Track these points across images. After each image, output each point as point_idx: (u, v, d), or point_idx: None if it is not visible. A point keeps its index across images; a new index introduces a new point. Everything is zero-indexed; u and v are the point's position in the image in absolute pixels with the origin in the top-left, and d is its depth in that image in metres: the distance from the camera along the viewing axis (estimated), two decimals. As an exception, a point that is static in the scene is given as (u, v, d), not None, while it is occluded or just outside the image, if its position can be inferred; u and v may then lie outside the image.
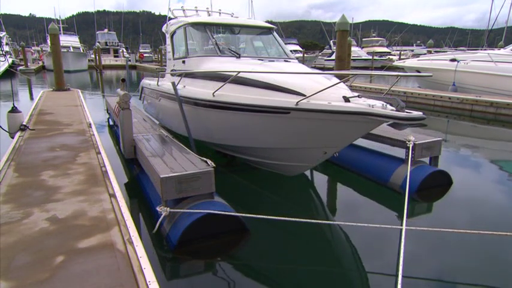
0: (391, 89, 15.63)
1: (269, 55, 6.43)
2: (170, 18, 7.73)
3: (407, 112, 3.25)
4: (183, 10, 7.87)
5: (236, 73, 4.45)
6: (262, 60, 5.64)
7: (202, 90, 5.17)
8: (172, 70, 6.87)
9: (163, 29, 8.09)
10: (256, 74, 4.46)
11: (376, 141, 5.85)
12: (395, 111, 3.33)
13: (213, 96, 4.80)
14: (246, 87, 4.46)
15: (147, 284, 2.14)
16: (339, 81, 3.91)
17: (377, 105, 3.49)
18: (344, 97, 3.77)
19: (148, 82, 8.37)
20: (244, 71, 4.54)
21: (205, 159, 3.95)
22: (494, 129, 9.74)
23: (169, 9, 7.99)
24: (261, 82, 4.36)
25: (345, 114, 3.56)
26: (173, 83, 5.38)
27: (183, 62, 6.51)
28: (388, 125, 3.50)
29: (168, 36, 7.47)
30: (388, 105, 3.50)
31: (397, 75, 3.99)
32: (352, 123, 3.73)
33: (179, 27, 6.84)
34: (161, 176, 3.44)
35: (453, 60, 14.17)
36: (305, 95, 3.84)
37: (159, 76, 7.54)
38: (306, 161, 4.59)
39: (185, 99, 5.54)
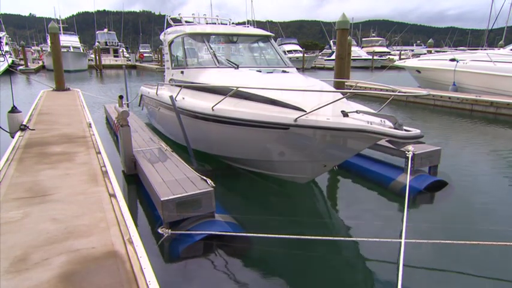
0: (391, 88, 15.62)
1: (267, 63, 6.51)
2: (168, 26, 7.74)
3: (405, 130, 3.24)
4: (181, 18, 7.86)
5: (235, 88, 4.45)
6: (260, 71, 5.56)
7: (201, 104, 5.15)
8: (170, 80, 6.90)
9: (161, 37, 8.02)
10: (256, 89, 4.48)
11: (375, 150, 5.85)
12: (394, 128, 3.31)
13: (212, 110, 4.80)
14: (246, 102, 4.48)
15: (147, 284, 2.14)
16: (341, 96, 3.86)
17: (375, 122, 3.48)
18: (342, 112, 3.77)
19: (147, 90, 8.32)
20: (244, 86, 4.53)
21: (205, 178, 3.93)
22: (494, 129, 9.74)
23: (166, 16, 8.00)
24: (261, 97, 4.37)
25: (344, 131, 3.57)
26: (171, 97, 5.35)
27: (182, 72, 6.49)
28: (387, 141, 3.46)
29: (166, 45, 7.44)
30: (386, 121, 3.47)
31: (391, 95, 3.94)
32: (350, 139, 3.73)
33: (177, 36, 6.84)
34: (162, 199, 3.44)
35: (452, 60, 14.16)
36: (305, 111, 3.81)
37: (158, 85, 7.57)
38: (306, 174, 4.60)
39: (185, 112, 5.51)
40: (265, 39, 6.93)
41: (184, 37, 6.62)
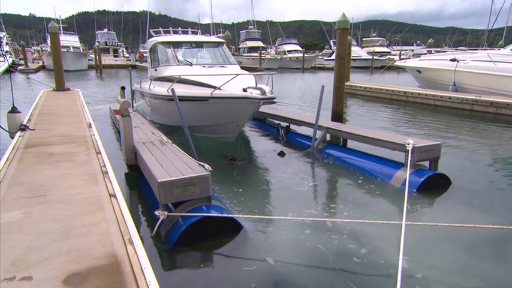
0: (392, 89, 15.67)
1: (218, 62, 8.87)
2: (150, 36, 10.38)
3: (265, 95, 5.78)
4: (160, 31, 10.57)
5: (178, 76, 6.85)
6: (204, 67, 8.16)
7: (161, 89, 7.58)
8: (151, 76, 9.18)
9: (145, 45, 11.06)
10: (191, 76, 6.92)
11: (376, 146, 5.86)
12: (260, 94, 5.79)
13: (167, 92, 6.85)
14: (186, 85, 6.82)
15: (147, 284, 2.14)
16: (235, 75, 6.31)
17: (254, 92, 5.85)
18: (243, 88, 5.95)
19: (137, 86, 10.60)
20: (184, 74, 6.94)
21: (202, 163, 3.99)
22: (494, 129, 9.73)
23: (148, 30, 10.93)
24: (193, 81, 6.82)
25: (232, 98, 6.05)
26: (172, 90, 6.25)
27: (155, 69, 8.84)
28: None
29: (147, 50, 10.10)
30: (261, 92, 5.86)
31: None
32: (241, 105, 6.07)
33: (153, 44, 9.24)
34: (159, 181, 3.49)
35: (453, 60, 14.14)
36: (216, 87, 6.24)
37: (140, 81, 10.25)
38: (228, 133, 6.97)
39: (153, 96, 8.05)
40: (218, 44, 9.39)
41: (157, 44, 8.96)
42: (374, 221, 3.57)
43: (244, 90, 5.95)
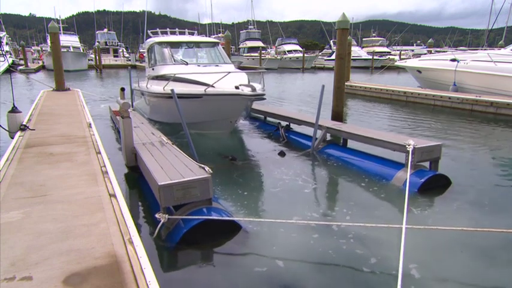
0: (392, 89, 15.67)
1: (213, 61, 9.30)
2: (148, 37, 10.85)
3: (255, 92, 6.31)
4: (158, 32, 10.98)
5: (173, 75, 7.39)
6: (199, 65, 8.56)
7: (158, 87, 7.99)
8: (148, 75, 9.59)
9: (143, 45, 11.17)
10: (186, 75, 7.30)
11: (377, 146, 5.86)
12: (250, 91, 6.28)
13: (163, 90, 7.43)
14: (181, 83, 7.23)
15: (147, 284, 2.13)
16: (227, 73, 6.85)
17: (244, 89, 6.34)
18: (235, 86, 6.41)
19: (135, 85, 10.90)
20: (179, 73, 7.38)
21: (203, 165, 3.98)
22: (494, 129, 9.73)
23: (146, 30, 11.58)
24: (188, 79, 7.25)
25: (225, 95, 6.56)
26: (172, 90, 6.26)
27: (153, 69, 9.21)
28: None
29: (145, 50, 10.53)
30: (251, 89, 6.34)
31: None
32: (233, 101, 6.56)
33: (151, 44, 9.66)
34: (159, 184, 3.48)
35: (453, 60, 14.13)
36: (210, 85, 6.68)
37: (138, 80, 10.59)
38: (222, 129, 7.48)
39: (150, 94, 8.40)
40: (213, 45, 9.90)
41: (154, 45, 9.37)
42: (375, 224, 3.55)
43: (236, 87, 6.38)
